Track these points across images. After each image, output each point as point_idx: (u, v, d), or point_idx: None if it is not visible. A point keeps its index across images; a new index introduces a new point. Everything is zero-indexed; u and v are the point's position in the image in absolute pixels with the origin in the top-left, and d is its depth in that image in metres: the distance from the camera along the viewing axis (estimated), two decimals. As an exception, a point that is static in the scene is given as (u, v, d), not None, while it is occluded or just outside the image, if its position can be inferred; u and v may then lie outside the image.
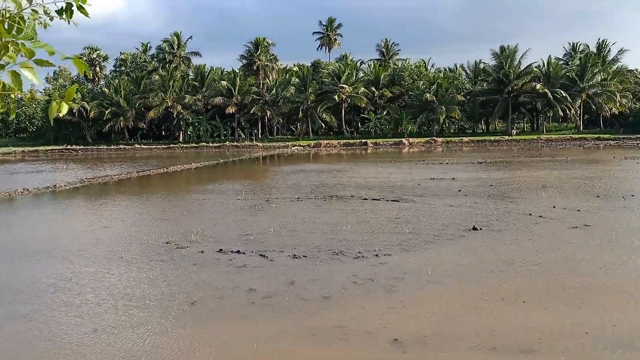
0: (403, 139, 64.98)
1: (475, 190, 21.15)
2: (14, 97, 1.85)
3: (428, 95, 69.92)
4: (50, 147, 66.50)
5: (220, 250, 11.91)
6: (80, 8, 1.88)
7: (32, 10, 1.71)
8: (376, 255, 11.18)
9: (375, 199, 19.17)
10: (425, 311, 8.00)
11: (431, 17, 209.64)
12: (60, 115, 2.16)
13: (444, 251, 11.54)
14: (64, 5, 1.77)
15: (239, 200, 20.24)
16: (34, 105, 77.62)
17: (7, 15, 1.68)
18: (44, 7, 1.74)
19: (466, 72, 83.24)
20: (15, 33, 1.71)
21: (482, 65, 78.61)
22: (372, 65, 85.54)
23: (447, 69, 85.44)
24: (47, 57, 1.85)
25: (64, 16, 1.80)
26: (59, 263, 11.35)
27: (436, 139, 64.78)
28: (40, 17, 1.73)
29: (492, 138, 65.34)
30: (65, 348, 7.06)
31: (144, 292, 9.21)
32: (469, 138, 65.88)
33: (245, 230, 14.28)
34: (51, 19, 1.75)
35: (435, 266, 10.25)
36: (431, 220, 15.05)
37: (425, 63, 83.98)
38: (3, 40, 1.66)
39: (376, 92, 75.73)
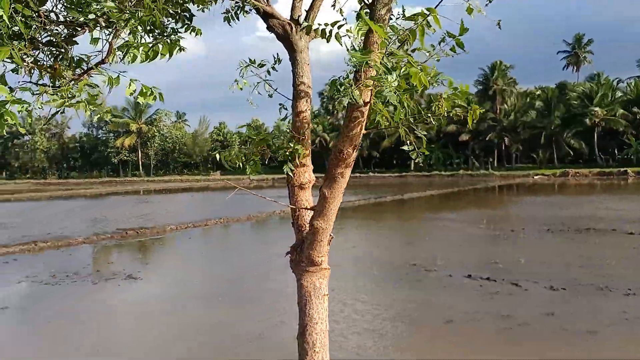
0: (677, 168, 56.02)
1: None
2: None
3: None
4: (295, 175, 75.26)
5: (469, 275, 12.24)
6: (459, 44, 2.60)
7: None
8: (652, 294, 10.20)
9: (645, 234, 17.21)
10: None
11: None
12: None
13: None
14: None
15: (480, 228, 20.26)
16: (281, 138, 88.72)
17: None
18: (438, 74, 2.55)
19: None
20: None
21: None
22: (634, 83, 76.04)
23: None
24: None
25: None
26: (320, 275, 13.10)
27: None
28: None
29: None
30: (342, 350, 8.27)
31: (400, 307, 10.11)
32: None
33: (491, 258, 14.34)
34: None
35: None
36: None
37: None
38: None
39: (639, 114, 67.09)
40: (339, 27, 2.58)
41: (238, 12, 3.24)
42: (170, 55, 2.32)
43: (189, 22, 3.54)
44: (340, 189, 3.02)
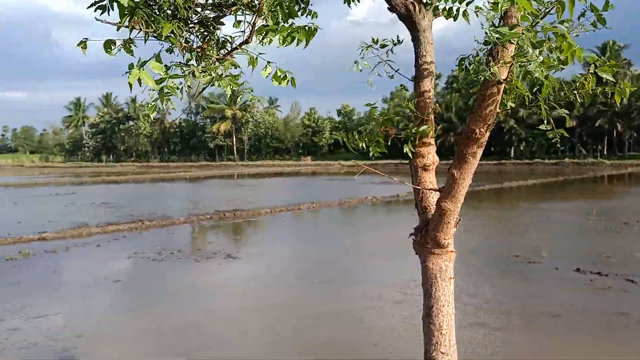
0: None
1: None
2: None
3: None
4: (387, 161, 74.66)
5: (578, 269, 11.63)
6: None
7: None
8: None
9: None
10: None
11: None
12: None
13: None
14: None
15: (589, 220, 19.12)
16: (373, 123, 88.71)
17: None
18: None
19: None
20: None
21: None
22: None
23: None
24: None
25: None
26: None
27: None
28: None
29: None
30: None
31: (505, 300, 9.83)
32: None
33: (602, 251, 13.51)
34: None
35: None
36: None
37: None
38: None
39: None
40: (467, 4, 2.54)
41: (361, -8, 3.27)
42: (307, 43, 2.37)
43: (305, 5, 3.61)
44: (471, 170, 2.99)
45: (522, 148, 75.09)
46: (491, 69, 2.34)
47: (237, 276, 12.58)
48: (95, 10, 1.97)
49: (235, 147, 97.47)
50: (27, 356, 7.73)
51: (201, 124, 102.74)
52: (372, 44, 3.14)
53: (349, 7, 3.19)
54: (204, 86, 2.05)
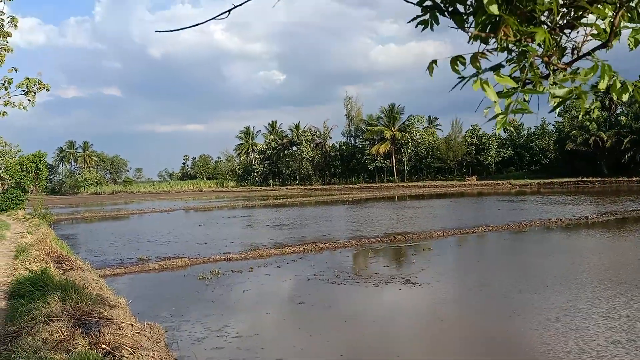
0: None
1: None
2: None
3: None
4: (565, 180, 68.98)
5: None
6: None
7: None
8: None
9: None
10: None
11: None
12: None
13: None
14: None
15: None
16: (547, 139, 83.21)
17: None
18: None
19: None
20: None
21: None
22: None
23: None
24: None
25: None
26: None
27: None
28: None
29: None
30: None
31: None
32: None
33: None
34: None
35: None
36: None
37: None
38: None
39: None
40: None
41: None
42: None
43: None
44: None
45: None
46: None
47: (424, 303, 12.12)
48: (416, 26, 1.80)
49: (395, 168, 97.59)
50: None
51: (360, 146, 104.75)
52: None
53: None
54: (564, 98, 1.72)
